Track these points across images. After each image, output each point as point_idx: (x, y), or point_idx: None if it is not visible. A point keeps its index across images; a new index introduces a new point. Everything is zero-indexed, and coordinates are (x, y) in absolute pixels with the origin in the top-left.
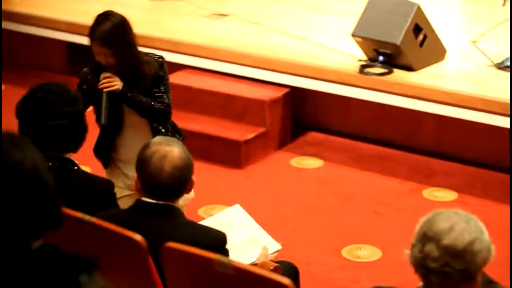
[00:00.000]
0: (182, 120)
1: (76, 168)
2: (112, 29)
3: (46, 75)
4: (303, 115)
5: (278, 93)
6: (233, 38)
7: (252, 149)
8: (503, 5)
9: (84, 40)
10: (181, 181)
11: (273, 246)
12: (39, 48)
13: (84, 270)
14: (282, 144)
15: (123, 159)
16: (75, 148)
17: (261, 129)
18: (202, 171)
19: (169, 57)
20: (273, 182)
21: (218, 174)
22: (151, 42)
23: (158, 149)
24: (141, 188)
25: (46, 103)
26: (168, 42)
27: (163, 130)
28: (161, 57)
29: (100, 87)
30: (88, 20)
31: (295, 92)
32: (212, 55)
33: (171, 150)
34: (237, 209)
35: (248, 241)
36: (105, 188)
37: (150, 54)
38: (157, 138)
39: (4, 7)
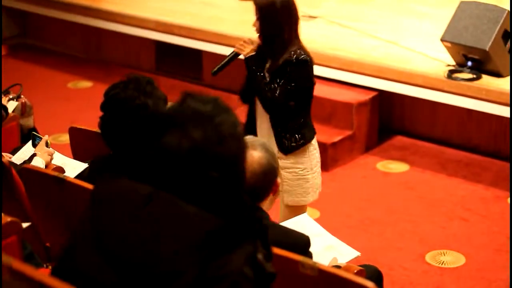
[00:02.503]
0: None
1: None
2: (270, 2)
3: (134, 73)
4: (390, 118)
5: (366, 96)
6: (322, 40)
7: (339, 152)
8: None
9: (172, 39)
10: (261, 186)
11: (351, 253)
12: (127, 46)
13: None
14: (368, 147)
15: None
16: None
17: (348, 132)
18: None
19: None
20: (359, 185)
21: None
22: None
23: None
24: None
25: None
26: None
27: (278, 125)
28: (307, 60)
29: (235, 45)
30: (176, 19)
31: (382, 96)
32: None
33: (251, 154)
34: (305, 218)
35: (326, 248)
36: None
37: (303, 51)
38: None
39: (93, 4)
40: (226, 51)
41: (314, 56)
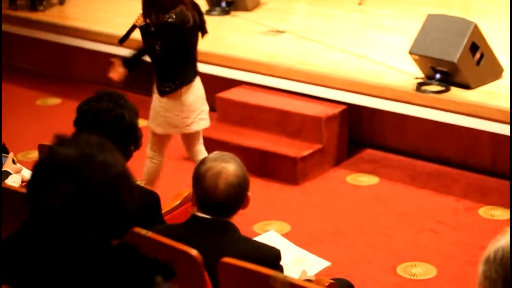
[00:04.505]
0: (238, 135)
1: None
2: None
3: (105, 88)
4: (359, 132)
5: (335, 110)
6: (290, 55)
7: (309, 166)
8: None
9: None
10: (236, 198)
11: (321, 264)
12: (95, 63)
13: (161, 272)
14: (338, 161)
15: None
16: (127, 157)
17: (318, 146)
18: (258, 187)
19: (226, 73)
20: (329, 199)
21: (274, 190)
22: (208, 57)
23: (213, 166)
24: (196, 204)
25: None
26: (225, 58)
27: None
28: (175, 20)
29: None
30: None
31: (351, 109)
32: (269, 71)
33: (226, 167)
34: (273, 234)
35: (295, 262)
36: (150, 201)
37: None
38: (213, 154)
39: (60, 21)
40: None
41: (283, 71)
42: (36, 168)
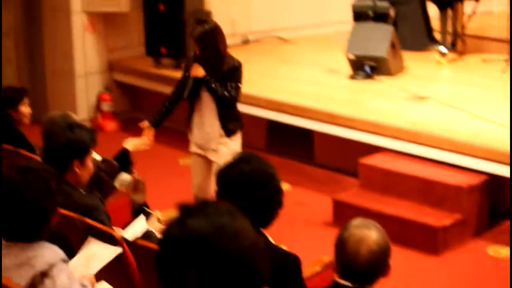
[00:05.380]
0: (379, 203)
1: (268, 242)
2: (203, 32)
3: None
4: (501, 203)
5: (477, 179)
6: (433, 122)
7: (449, 236)
8: None
9: (283, 118)
10: (377, 266)
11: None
12: None
13: None
14: (479, 231)
15: (197, 123)
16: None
17: (459, 216)
18: (398, 256)
19: (368, 138)
20: (469, 270)
21: (414, 259)
22: (350, 122)
23: (355, 233)
24: (338, 270)
25: (236, 184)
26: (368, 124)
27: (227, 113)
28: (239, 62)
29: (189, 72)
30: (288, 97)
31: (493, 179)
32: (411, 138)
33: (368, 234)
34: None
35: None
36: (292, 264)
37: (233, 58)
38: (355, 221)
39: None
40: (337, 130)
41: (426, 138)
42: (168, 241)
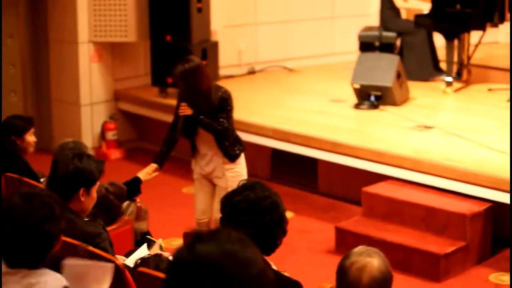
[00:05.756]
0: (382, 230)
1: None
2: (182, 72)
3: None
4: (503, 230)
5: (480, 207)
6: (437, 151)
7: (452, 263)
8: None
9: (288, 147)
10: None
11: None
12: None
13: None
14: (481, 258)
15: (200, 154)
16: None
17: (462, 243)
18: (401, 283)
19: (372, 167)
20: None
21: (417, 286)
22: (354, 151)
23: (357, 260)
24: None
25: (241, 211)
26: (372, 153)
27: (225, 142)
28: (226, 92)
29: (178, 112)
30: (293, 127)
31: (496, 207)
32: (415, 166)
33: (370, 262)
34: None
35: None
36: None
37: (220, 89)
38: (358, 249)
39: None
40: (341, 159)
41: (429, 166)
42: (177, 266)
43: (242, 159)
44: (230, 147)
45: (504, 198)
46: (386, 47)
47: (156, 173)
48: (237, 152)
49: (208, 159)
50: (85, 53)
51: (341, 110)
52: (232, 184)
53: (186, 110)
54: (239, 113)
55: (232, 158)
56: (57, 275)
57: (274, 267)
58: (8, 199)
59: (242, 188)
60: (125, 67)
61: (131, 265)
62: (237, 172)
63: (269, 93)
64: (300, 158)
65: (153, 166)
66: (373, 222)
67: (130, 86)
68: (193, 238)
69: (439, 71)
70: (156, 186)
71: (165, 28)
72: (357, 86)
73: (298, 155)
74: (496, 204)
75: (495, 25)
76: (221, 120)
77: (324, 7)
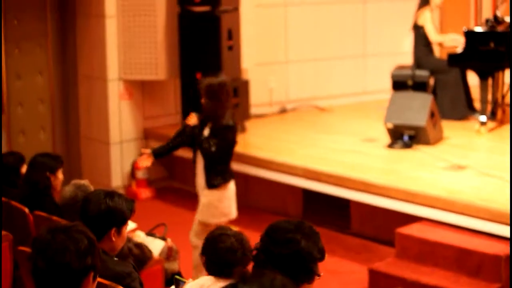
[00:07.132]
0: (416, 272)
1: None
2: (208, 84)
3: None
4: None
5: None
6: (471, 191)
7: None
8: None
9: (320, 187)
10: None
11: None
12: (275, 193)
13: None
14: None
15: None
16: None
17: (496, 285)
18: None
19: (405, 207)
20: None
21: None
22: (388, 191)
23: None
24: None
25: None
26: (405, 193)
27: (209, 166)
28: (234, 123)
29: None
30: (324, 166)
31: None
32: (449, 207)
33: None
34: None
35: None
36: None
37: (232, 119)
38: None
39: (242, 150)
40: (373, 200)
41: (463, 207)
42: None
43: (221, 193)
44: (212, 173)
45: None
46: (420, 86)
47: (150, 161)
48: (216, 183)
49: (198, 172)
50: (115, 90)
51: (374, 149)
52: (202, 210)
53: (192, 120)
54: (270, 152)
55: (209, 185)
56: None
57: None
58: (38, 235)
59: (270, 235)
60: (155, 105)
61: None
62: (211, 201)
63: (300, 132)
64: (332, 198)
65: (147, 151)
66: (407, 264)
67: (160, 124)
68: (239, 279)
69: (473, 110)
70: (186, 224)
71: (195, 65)
72: (390, 125)
73: (331, 195)
74: None
75: None
76: (211, 143)
77: (356, 45)
